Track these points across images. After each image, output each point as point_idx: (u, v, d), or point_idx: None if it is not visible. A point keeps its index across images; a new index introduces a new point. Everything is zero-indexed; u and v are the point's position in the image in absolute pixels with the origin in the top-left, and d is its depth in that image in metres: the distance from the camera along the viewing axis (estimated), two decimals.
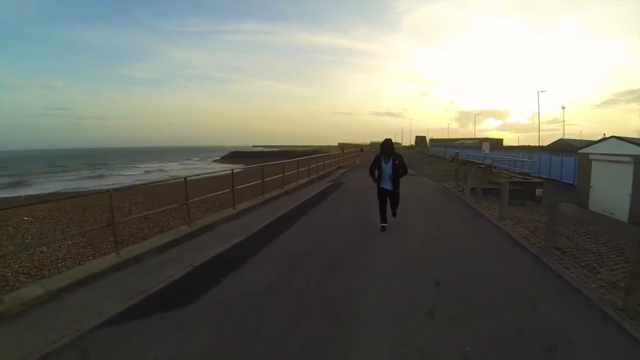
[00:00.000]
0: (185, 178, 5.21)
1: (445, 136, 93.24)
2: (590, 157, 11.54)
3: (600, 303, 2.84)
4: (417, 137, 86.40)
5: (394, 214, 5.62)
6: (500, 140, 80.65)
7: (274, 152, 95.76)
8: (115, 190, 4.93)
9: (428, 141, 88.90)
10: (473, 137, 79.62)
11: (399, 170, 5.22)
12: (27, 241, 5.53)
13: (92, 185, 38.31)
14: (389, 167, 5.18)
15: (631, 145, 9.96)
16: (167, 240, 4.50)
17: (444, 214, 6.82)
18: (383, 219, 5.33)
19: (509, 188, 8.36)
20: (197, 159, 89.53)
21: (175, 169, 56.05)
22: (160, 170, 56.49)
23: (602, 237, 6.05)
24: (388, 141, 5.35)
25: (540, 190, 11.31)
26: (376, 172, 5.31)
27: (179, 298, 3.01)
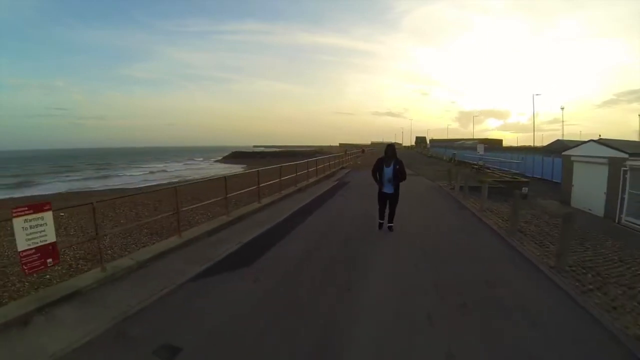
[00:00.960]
0: (225, 177, 6.43)
1: (445, 136, 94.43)
2: (572, 158, 12.77)
3: (538, 263, 4.07)
4: (417, 138, 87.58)
5: (391, 218, 5.73)
6: (500, 141, 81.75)
7: (275, 152, 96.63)
8: (161, 186, 6.12)
9: (428, 142, 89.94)
10: (473, 137, 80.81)
11: (399, 175, 5.50)
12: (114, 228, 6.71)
13: (97, 185, 39.35)
14: (390, 171, 5.51)
15: (607, 148, 11.17)
16: (213, 226, 5.72)
17: (435, 207, 8.08)
18: (381, 217, 5.76)
19: (498, 186, 9.51)
20: (201, 159, 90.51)
21: (180, 170, 57.07)
22: (164, 171, 57.24)
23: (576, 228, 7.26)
24: (391, 146, 5.71)
25: (526, 188, 12.54)
26: (378, 175, 5.64)
27: (240, 261, 4.24)
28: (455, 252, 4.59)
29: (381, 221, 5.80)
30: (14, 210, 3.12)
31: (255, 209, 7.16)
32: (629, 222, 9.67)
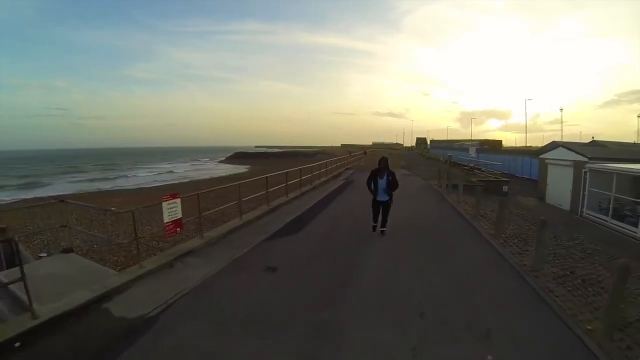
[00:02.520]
0: (266, 177, 8.64)
1: (448, 137, 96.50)
2: (546, 161, 14.98)
3: (483, 233, 6.31)
4: (417, 139, 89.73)
5: (384, 224, 6.36)
6: (499, 142, 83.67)
7: (277, 153, 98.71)
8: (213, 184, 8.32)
9: (429, 142, 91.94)
10: (472, 138, 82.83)
11: (392, 185, 6.11)
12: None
13: (108, 186, 41.58)
14: (384, 182, 6.10)
15: (572, 152, 13.38)
16: (259, 213, 7.95)
17: (423, 199, 10.40)
18: (375, 221, 6.41)
19: (481, 185, 11.70)
20: (207, 159, 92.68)
21: (189, 170, 59.14)
22: (171, 172, 59.09)
23: (528, 215, 9.46)
24: (384, 159, 6.31)
25: (507, 186, 14.77)
26: (372, 185, 6.24)
27: (289, 232, 6.50)
28: (430, 226, 6.90)
29: (375, 224, 6.43)
30: (164, 197, 5.34)
31: (284, 201, 9.40)
32: (589, 214, 11.88)
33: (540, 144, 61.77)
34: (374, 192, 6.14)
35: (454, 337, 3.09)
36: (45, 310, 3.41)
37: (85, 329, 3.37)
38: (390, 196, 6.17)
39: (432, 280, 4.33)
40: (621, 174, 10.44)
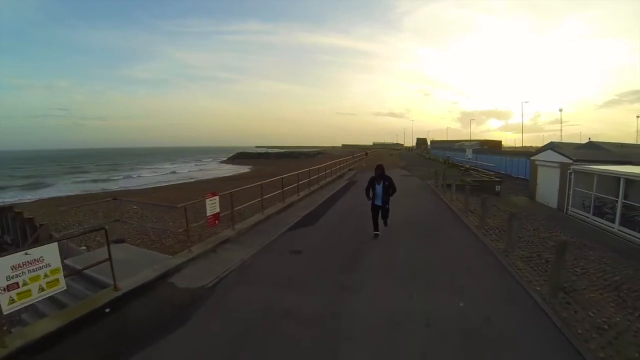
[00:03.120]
0: (282, 178, 9.82)
1: (448, 137, 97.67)
2: (536, 162, 16.16)
3: (469, 225, 7.53)
4: (418, 140, 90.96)
5: (385, 224, 6.90)
6: (499, 143, 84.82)
7: (278, 153, 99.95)
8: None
9: (429, 143, 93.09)
10: (471, 139, 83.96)
11: (389, 190, 6.55)
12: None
13: (114, 187, 42.73)
14: (381, 188, 6.55)
15: (559, 155, 14.56)
16: (277, 209, 9.14)
17: (420, 197, 11.61)
18: (375, 227, 6.72)
19: (477, 184, 12.89)
20: (210, 159, 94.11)
21: (193, 170, 60.29)
22: (173, 173, 60.22)
23: (514, 211, 10.64)
24: (380, 167, 6.72)
25: (499, 186, 15.94)
26: (371, 192, 6.65)
27: (305, 224, 7.72)
28: (424, 219, 8.12)
29: (376, 232, 6.73)
30: (207, 195, 6.52)
31: (296, 199, 10.60)
32: (573, 212, 13.04)
33: (540, 144, 62.81)
34: (372, 197, 6.64)
35: (437, 290, 4.30)
36: (123, 285, 4.53)
37: (159, 297, 4.53)
38: (387, 201, 6.63)
39: (424, 256, 5.54)
40: (601, 175, 11.60)
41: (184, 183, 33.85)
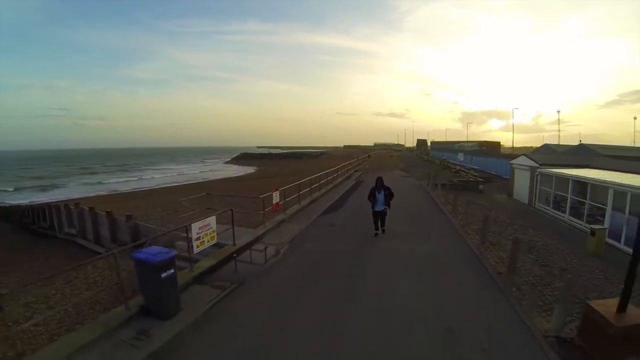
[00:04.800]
0: (310, 179, 13.37)
1: (448, 138, 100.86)
2: (513, 166, 19.74)
3: (445, 212, 11.13)
4: (418, 141, 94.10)
5: (383, 231, 8.59)
6: (497, 143, 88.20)
7: (282, 154, 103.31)
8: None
9: (429, 144, 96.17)
10: (471, 140, 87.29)
11: (389, 197, 8.36)
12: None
13: (123, 188, 46.08)
14: (382, 196, 8.33)
15: (529, 159, 18.13)
16: (308, 202, 12.69)
17: (413, 194, 15.18)
18: (376, 228, 8.52)
19: (463, 184, 16.47)
20: (217, 159, 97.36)
21: (205, 172, 63.54)
22: (180, 174, 63.10)
23: (486, 204, 14.23)
24: (380, 179, 8.53)
25: (482, 185, 19.50)
26: (372, 200, 8.43)
27: (332, 210, 11.38)
28: (415, 208, 11.71)
29: (377, 232, 8.58)
30: (274, 189, 10.08)
31: (319, 195, 14.16)
32: (539, 206, 16.59)
33: (540, 144, 66.30)
34: (373, 204, 8.45)
35: (419, 242, 7.93)
36: (237, 243, 8.04)
37: (260, 249, 8.07)
38: (388, 205, 8.44)
39: (416, 228, 9.15)
40: (558, 176, 15.14)
41: (195, 183, 37.30)
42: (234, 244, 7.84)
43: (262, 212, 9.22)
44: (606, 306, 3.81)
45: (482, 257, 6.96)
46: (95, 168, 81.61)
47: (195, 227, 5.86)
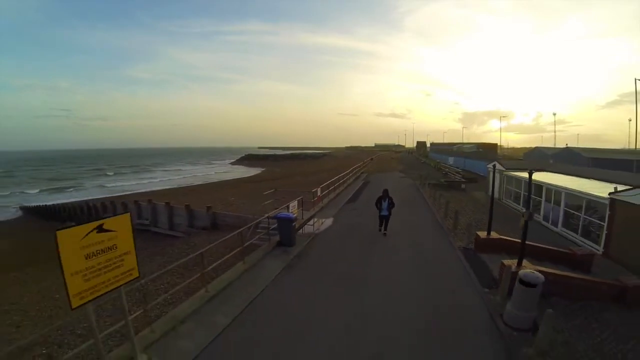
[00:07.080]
0: (331, 181, 19.06)
1: (449, 139, 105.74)
2: (488, 169, 25.46)
3: (429, 201, 16.81)
4: (418, 143, 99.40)
5: (385, 235, 11.26)
6: (495, 145, 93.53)
7: (285, 155, 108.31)
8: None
9: (429, 145, 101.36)
10: (470, 141, 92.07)
11: (391, 206, 11.22)
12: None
13: (139, 188, 50.91)
14: (386, 204, 11.18)
15: (499, 165, 23.86)
16: (333, 196, 18.36)
17: (407, 191, 20.96)
18: (380, 228, 11.47)
19: (447, 183, 22.14)
20: (221, 160, 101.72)
21: (220, 172, 68.33)
22: (194, 176, 67.54)
23: (463, 198, 19.94)
24: (385, 191, 11.57)
25: (464, 185, 25.20)
26: (378, 205, 11.24)
27: (350, 201, 17.13)
28: (406, 199, 17.49)
29: (380, 228, 11.55)
30: (318, 186, 15.75)
31: (338, 192, 19.80)
32: (506, 201, 22.34)
33: (540, 144, 71.49)
34: (379, 208, 11.31)
35: (409, 216, 13.61)
36: (305, 217, 13.65)
37: (318, 220, 13.73)
38: (390, 213, 11.30)
39: (407, 210, 14.82)
40: (516, 178, 20.86)
41: (223, 181, 42.75)
42: (303, 218, 13.51)
43: (312, 200, 14.89)
44: (482, 233, 9.53)
45: (442, 223, 12.70)
46: (107, 169, 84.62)
47: (291, 205, 11.49)
